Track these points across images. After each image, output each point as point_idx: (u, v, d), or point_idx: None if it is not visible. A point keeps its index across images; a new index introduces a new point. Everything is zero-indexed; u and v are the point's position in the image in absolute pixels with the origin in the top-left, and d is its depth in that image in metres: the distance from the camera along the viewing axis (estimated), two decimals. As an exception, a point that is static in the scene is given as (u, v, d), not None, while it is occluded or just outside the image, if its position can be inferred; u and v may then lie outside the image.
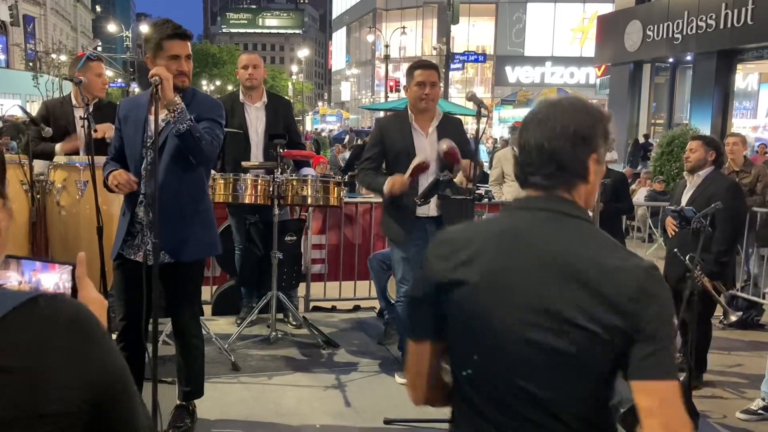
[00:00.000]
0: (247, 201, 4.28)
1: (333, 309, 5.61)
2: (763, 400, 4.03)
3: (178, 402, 3.29)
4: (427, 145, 3.84)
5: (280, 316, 5.01)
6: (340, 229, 5.71)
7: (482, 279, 1.30)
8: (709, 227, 3.93)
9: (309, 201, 4.37)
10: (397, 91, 31.15)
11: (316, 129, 35.93)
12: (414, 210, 3.79)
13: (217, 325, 4.76)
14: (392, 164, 3.90)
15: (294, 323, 4.99)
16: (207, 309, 5.04)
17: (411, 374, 1.46)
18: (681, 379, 3.48)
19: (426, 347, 1.40)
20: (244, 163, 4.33)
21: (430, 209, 3.85)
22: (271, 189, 4.24)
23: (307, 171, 4.74)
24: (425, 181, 3.68)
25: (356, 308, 5.57)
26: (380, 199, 6.34)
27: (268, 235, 4.51)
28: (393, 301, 4.35)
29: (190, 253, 3.12)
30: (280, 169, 4.25)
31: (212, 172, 4.44)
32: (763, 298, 5.98)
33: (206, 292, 4.85)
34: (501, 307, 1.28)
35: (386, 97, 33.88)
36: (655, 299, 1.23)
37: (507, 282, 1.28)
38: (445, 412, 1.46)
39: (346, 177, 8.78)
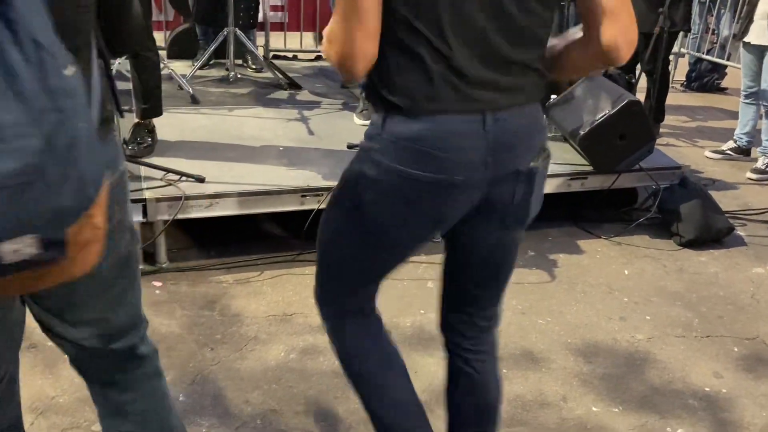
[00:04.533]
0: None
1: (294, 58, 5.41)
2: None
3: (137, 120, 3.19)
4: None
5: (239, 61, 4.81)
6: (301, -27, 5.32)
7: None
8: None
9: None
10: None
11: None
12: None
13: (173, 68, 4.56)
14: None
15: (254, 66, 4.81)
16: (162, 55, 4.78)
17: (360, 11, 1.15)
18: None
19: None
20: None
21: None
22: None
23: None
24: None
25: (318, 57, 5.38)
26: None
27: (222, -35, 4.17)
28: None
29: None
30: None
31: None
32: (728, 59, 5.97)
33: (159, 38, 4.56)
34: None
35: None
36: None
37: None
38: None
39: None
